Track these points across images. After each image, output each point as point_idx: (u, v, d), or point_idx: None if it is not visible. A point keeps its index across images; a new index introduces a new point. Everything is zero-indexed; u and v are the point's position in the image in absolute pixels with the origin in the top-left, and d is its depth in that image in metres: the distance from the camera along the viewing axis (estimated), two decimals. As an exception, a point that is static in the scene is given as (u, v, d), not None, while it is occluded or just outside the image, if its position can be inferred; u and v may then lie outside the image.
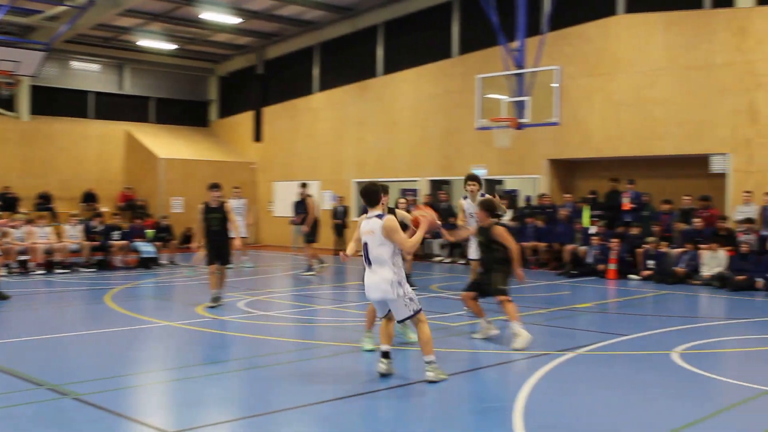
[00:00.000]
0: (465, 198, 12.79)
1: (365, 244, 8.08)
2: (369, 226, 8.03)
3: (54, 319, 12.92)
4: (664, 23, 20.59)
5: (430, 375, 7.91)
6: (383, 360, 8.14)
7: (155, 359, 9.72)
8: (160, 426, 6.52)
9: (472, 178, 12.77)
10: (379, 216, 8.04)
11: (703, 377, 8.32)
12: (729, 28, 19.47)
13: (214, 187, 13.79)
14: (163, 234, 22.45)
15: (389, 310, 8.13)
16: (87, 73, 31.66)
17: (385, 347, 8.19)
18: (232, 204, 20.83)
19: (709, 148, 19.77)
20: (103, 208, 26.53)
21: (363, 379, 8.29)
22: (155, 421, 6.69)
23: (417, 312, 8.00)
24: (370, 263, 8.05)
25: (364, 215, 8.16)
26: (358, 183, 28.13)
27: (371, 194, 8.15)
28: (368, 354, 9.38)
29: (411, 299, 7.97)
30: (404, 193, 26.88)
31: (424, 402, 7.40)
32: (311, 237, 19.46)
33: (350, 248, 8.82)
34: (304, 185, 20.36)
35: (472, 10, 23.77)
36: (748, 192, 18.29)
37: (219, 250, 13.65)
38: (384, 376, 8.07)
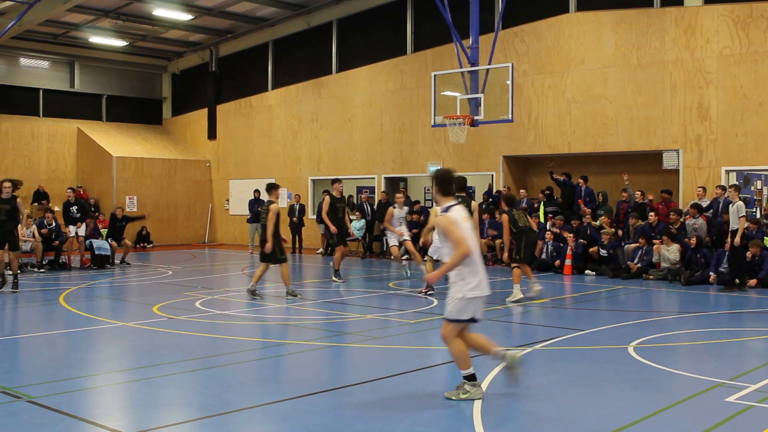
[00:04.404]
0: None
1: None
2: None
3: (6, 320, 12.68)
4: (615, 21, 20.87)
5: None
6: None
7: (111, 360, 9.58)
8: (117, 428, 6.44)
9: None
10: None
11: (659, 370, 8.44)
12: (678, 26, 19.80)
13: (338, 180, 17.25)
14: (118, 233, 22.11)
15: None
16: (36, 71, 31.10)
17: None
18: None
19: (660, 145, 20.11)
20: (55, 208, 26.12)
21: (323, 377, 8.28)
22: (112, 423, 6.61)
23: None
24: None
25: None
26: (314, 181, 28.08)
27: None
28: (328, 351, 9.34)
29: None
30: (361, 190, 26.96)
31: (383, 399, 7.40)
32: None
33: None
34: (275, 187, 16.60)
35: (425, 7, 23.84)
36: (701, 187, 18.55)
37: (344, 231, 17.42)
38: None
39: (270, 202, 14.36)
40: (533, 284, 14.14)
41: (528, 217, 14.71)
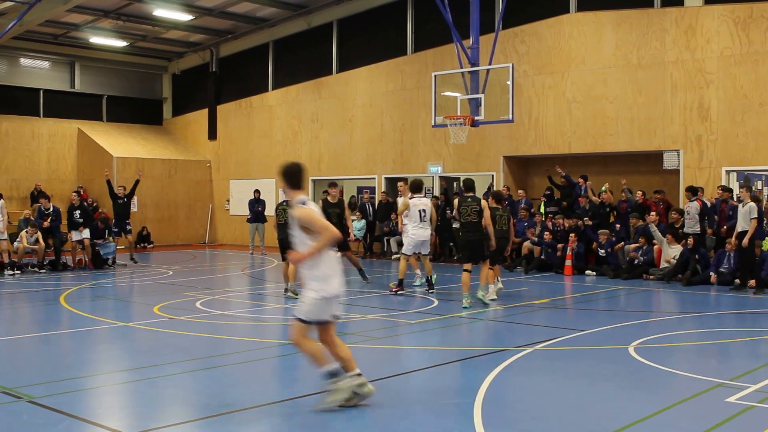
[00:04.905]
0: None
1: None
2: None
3: (6, 320, 12.68)
4: (615, 21, 20.86)
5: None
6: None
7: (112, 360, 9.59)
8: (118, 428, 6.44)
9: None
10: None
11: (659, 370, 8.44)
12: (678, 27, 19.80)
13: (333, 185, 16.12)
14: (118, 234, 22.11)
15: None
16: (37, 71, 31.08)
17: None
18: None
19: (660, 145, 20.11)
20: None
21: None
22: (113, 423, 6.61)
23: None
24: None
25: None
26: (314, 181, 28.07)
27: None
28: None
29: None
30: (361, 190, 26.97)
31: (383, 399, 7.40)
32: None
33: None
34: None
35: (426, 7, 23.83)
36: (701, 188, 18.51)
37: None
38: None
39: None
40: (496, 283, 14.28)
41: (511, 222, 14.67)
